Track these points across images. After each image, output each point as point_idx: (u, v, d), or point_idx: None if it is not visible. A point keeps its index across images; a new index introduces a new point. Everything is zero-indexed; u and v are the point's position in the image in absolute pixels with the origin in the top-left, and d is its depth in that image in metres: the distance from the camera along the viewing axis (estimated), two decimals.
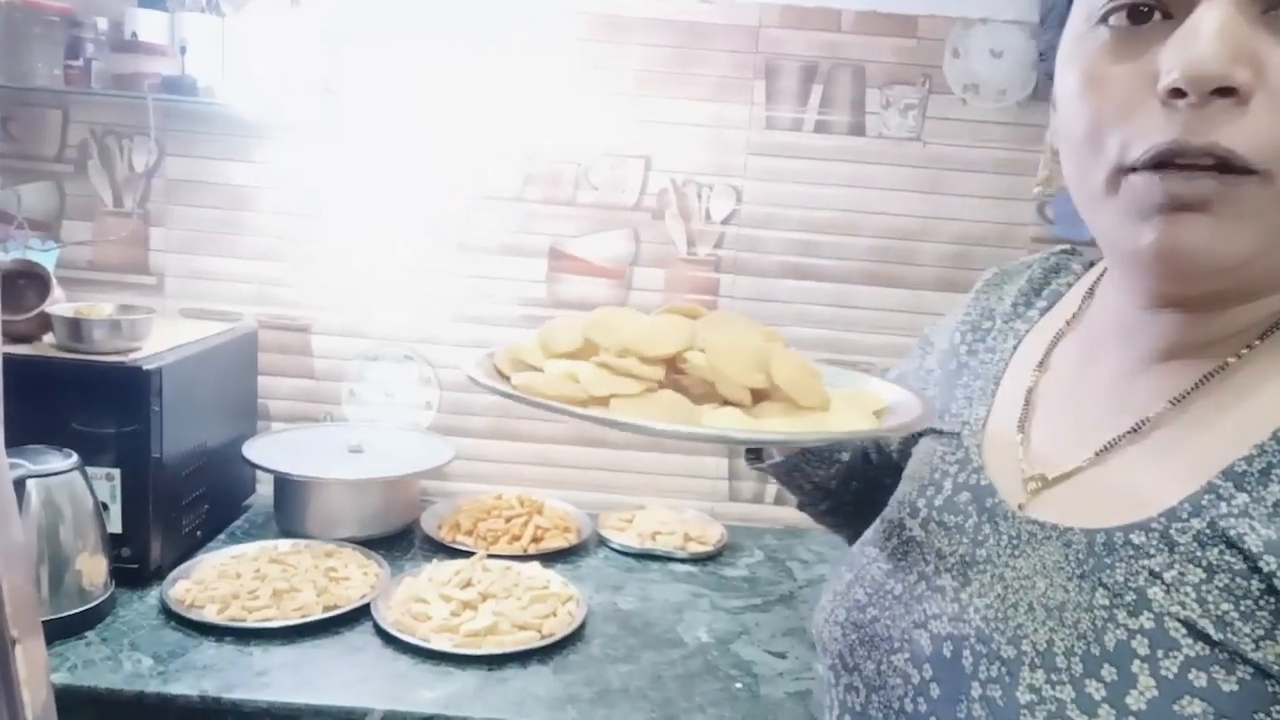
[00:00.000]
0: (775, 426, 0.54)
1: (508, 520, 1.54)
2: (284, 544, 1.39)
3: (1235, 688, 0.40)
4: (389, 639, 1.18)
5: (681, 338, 0.57)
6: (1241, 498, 0.43)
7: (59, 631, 1.13)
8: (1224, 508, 0.44)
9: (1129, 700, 0.42)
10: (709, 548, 1.55)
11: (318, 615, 1.21)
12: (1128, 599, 0.45)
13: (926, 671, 0.51)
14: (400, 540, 1.50)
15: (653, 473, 1.73)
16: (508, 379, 0.59)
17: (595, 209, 1.66)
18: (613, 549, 1.55)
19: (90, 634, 1.15)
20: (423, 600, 1.24)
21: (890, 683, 0.54)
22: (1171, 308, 0.50)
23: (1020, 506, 0.54)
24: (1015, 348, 0.64)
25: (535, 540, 1.51)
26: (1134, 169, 0.44)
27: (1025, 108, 1.61)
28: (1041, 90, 1.60)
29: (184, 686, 1.06)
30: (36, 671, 0.68)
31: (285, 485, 1.47)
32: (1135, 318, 0.53)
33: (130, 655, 1.12)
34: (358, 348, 1.69)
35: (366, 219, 1.65)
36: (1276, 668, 0.39)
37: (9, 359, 1.24)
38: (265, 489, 1.59)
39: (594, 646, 1.23)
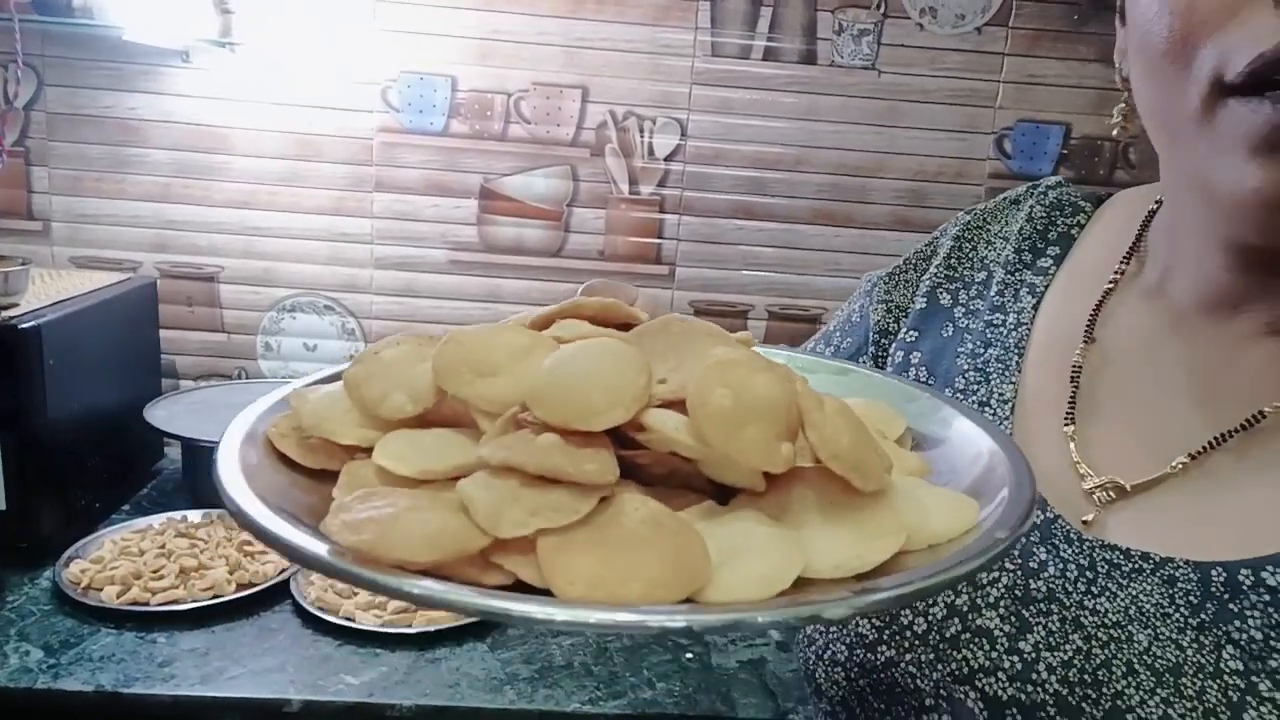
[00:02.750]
0: (835, 557, 0.28)
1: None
2: (194, 515, 1.28)
3: None
4: (310, 619, 1.09)
5: (637, 387, 0.30)
6: None
7: None
8: None
9: None
10: None
11: (230, 595, 1.10)
12: (1271, 664, 0.35)
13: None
14: None
15: None
16: (304, 471, 0.34)
17: (528, 144, 1.54)
18: None
19: None
20: None
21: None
22: (1276, 271, 0.40)
23: (1086, 524, 0.43)
24: (1036, 306, 0.51)
25: None
26: (1235, 90, 0.34)
27: (985, 34, 1.52)
28: (1002, 13, 1.51)
29: (78, 681, 0.96)
30: None
31: (195, 451, 1.35)
32: (1230, 283, 0.42)
33: (17, 647, 1.01)
34: (272, 297, 1.56)
35: (274, 154, 1.50)
36: None
37: None
38: (175, 454, 1.46)
39: None
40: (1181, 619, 0.38)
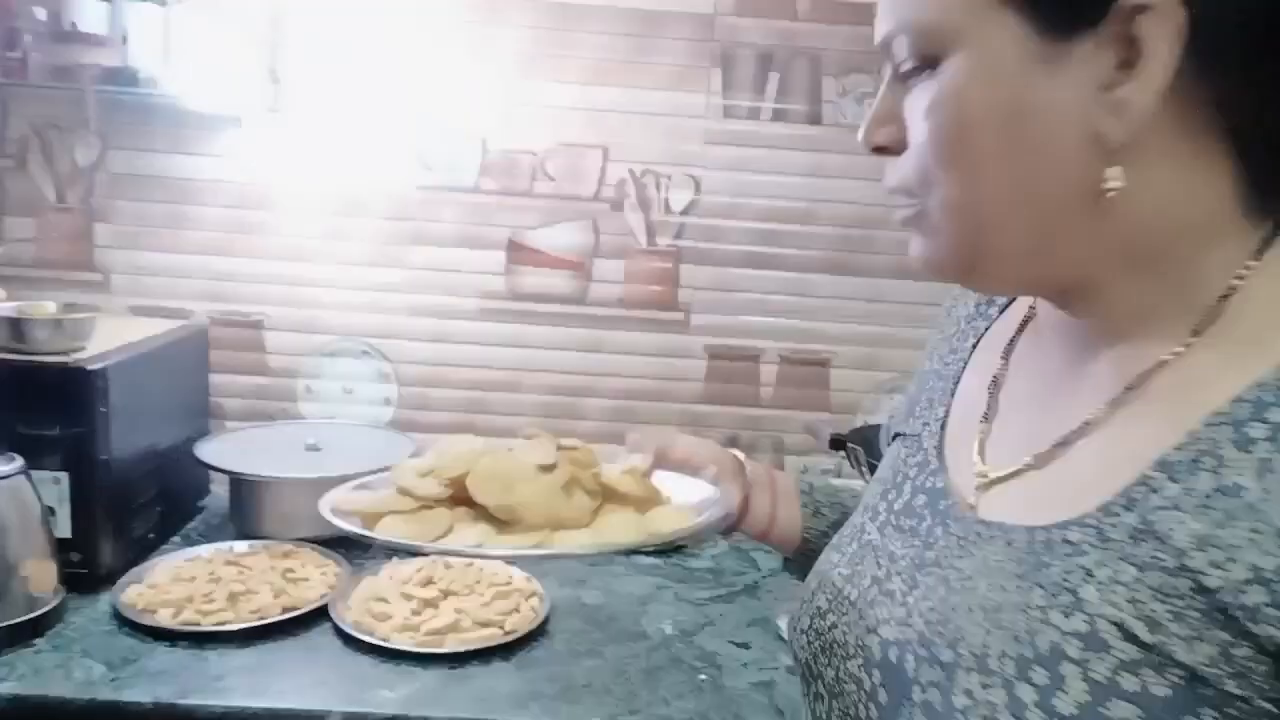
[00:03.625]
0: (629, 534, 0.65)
1: None
2: (240, 545, 1.37)
3: (1167, 692, 0.39)
4: (349, 639, 1.17)
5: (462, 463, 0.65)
6: (1173, 489, 0.42)
7: (6, 639, 1.10)
8: (1155, 500, 0.42)
9: (1057, 703, 0.41)
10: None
11: (275, 617, 1.18)
12: (1062, 599, 0.43)
13: (875, 677, 0.51)
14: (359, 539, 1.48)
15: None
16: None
17: (553, 199, 1.64)
18: None
19: (39, 641, 1.12)
20: (383, 599, 1.23)
21: (846, 689, 0.53)
22: (1057, 305, 0.52)
23: (971, 507, 0.53)
24: (974, 346, 0.63)
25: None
26: None
27: None
28: None
29: (138, 693, 1.04)
30: None
31: (241, 486, 1.44)
32: (1052, 311, 0.53)
33: (81, 662, 1.09)
34: (313, 343, 1.66)
35: (318, 211, 1.62)
36: (1205, 669, 0.38)
37: None
38: (221, 489, 1.55)
39: (558, 642, 1.22)
40: (1010, 569, 0.47)
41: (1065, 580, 0.44)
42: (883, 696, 0.50)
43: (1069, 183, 0.45)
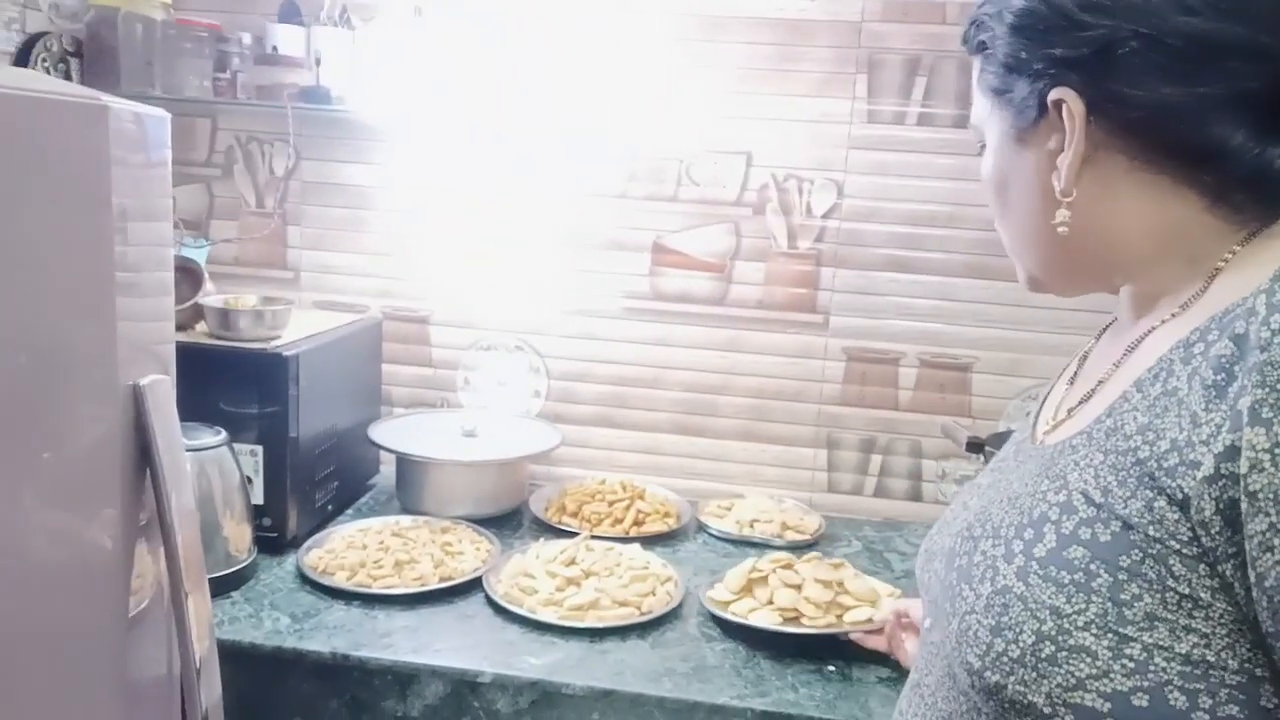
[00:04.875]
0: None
1: (611, 504, 1.61)
2: (404, 519, 1.50)
3: (1108, 538, 0.52)
4: (498, 609, 1.27)
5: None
6: (1137, 397, 0.55)
7: (210, 591, 1.25)
8: (1125, 407, 0.56)
9: (1035, 550, 0.56)
10: (807, 537, 1.58)
11: (435, 585, 1.30)
12: (1057, 483, 0.58)
13: (941, 563, 0.66)
14: (510, 520, 1.59)
15: (752, 462, 1.77)
16: None
17: (697, 204, 1.71)
18: (711, 535, 1.60)
19: (235, 594, 1.28)
20: (530, 575, 1.32)
21: (928, 581, 0.69)
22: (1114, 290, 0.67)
23: (1037, 442, 0.67)
24: (1088, 348, 0.76)
25: (637, 524, 1.57)
26: None
27: None
28: None
29: (317, 644, 1.17)
30: (203, 622, 0.78)
31: (406, 465, 1.58)
32: (1118, 302, 0.69)
33: (270, 614, 1.24)
34: (472, 338, 1.79)
35: (480, 216, 1.74)
36: (1135, 519, 0.51)
37: None
38: (388, 469, 1.70)
39: (691, 625, 1.28)
40: (1034, 471, 0.62)
41: (1061, 471, 0.58)
42: (942, 574, 0.65)
43: (1044, 223, 0.63)
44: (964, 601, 0.59)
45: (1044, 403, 0.73)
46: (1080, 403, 0.64)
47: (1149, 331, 0.60)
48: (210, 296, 1.44)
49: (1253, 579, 0.47)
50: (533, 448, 1.61)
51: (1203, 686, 0.49)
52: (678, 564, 1.43)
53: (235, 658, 1.15)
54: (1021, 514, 0.58)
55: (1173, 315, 0.59)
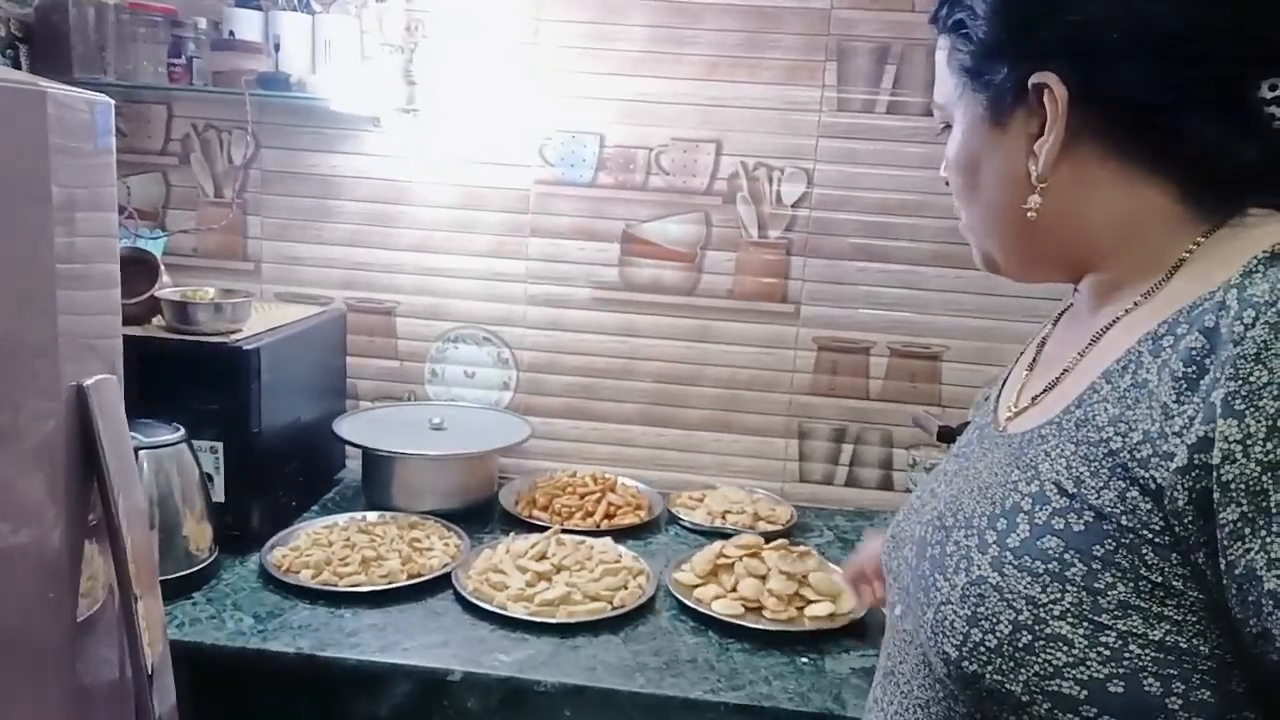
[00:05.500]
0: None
1: (581, 497, 1.59)
2: (372, 515, 1.47)
3: (1082, 528, 0.53)
4: (468, 606, 1.25)
5: None
6: (1106, 389, 0.56)
7: (168, 592, 1.20)
8: (1094, 398, 0.56)
9: (1009, 540, 0.56)
10: (778, 527, 1.58)
11: (403, 582, 1.28)
12: (1028, 473, 0.58)
13: (912, 550, 0.66)
14: (479, 514, 1.57)
15: (724, 453, 1.76)
16: None
17: (667, 193, 1.69)
18: (683, 526, 1.59)
19: (196, 594, 1.25)
20: (500, 571, 1.30)
21: (897, 568, 0.68)
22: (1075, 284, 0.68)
23: (1000, 429, 0.67)
24: (1045, 334, 0.76)
25: (608, 517, 1.56)
26: None
27: None
28: None
29: (281, 644, 1.14)
30: (155, 625, 0.76)
31: (373, 460, 1.55)
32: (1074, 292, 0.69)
33: (233, 615, 1.21)
34: (439, 330, 1.76)
35: (446, 206, 1.71)
36: (1108, 509, 0.52)
37: (123, 340, 1.34)
38: (354, 464, 1.67)
39: (663, 619, 1.27)
40: (1003, 461, 0.62)
41: (1032, 461, 0.59)
42: (914, 562, 0.65)
43: (1013, 208, 0.62)
44: (939, 592, 0.59)
45: (1003, 388, 0.73)
46: (1044, 390, 0.64)
47: (1112, 322, 0.61)
48: (167, 289, 1.40)
49: (1223, 567, 0.48)
50: (502, 441, 1.58)
51: (1176, 672, 0.50)
52: (650, 557, 1.42)
53: (197, 660, 1.13)
54: (993, 504, 0.59)
55: (1135, 305, 0.59)
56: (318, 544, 1.36)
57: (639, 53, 1.64)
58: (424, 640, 1.17)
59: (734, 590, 1.28)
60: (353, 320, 1.74)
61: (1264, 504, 0.46)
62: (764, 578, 1.28)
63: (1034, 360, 0.72)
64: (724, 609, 1.24)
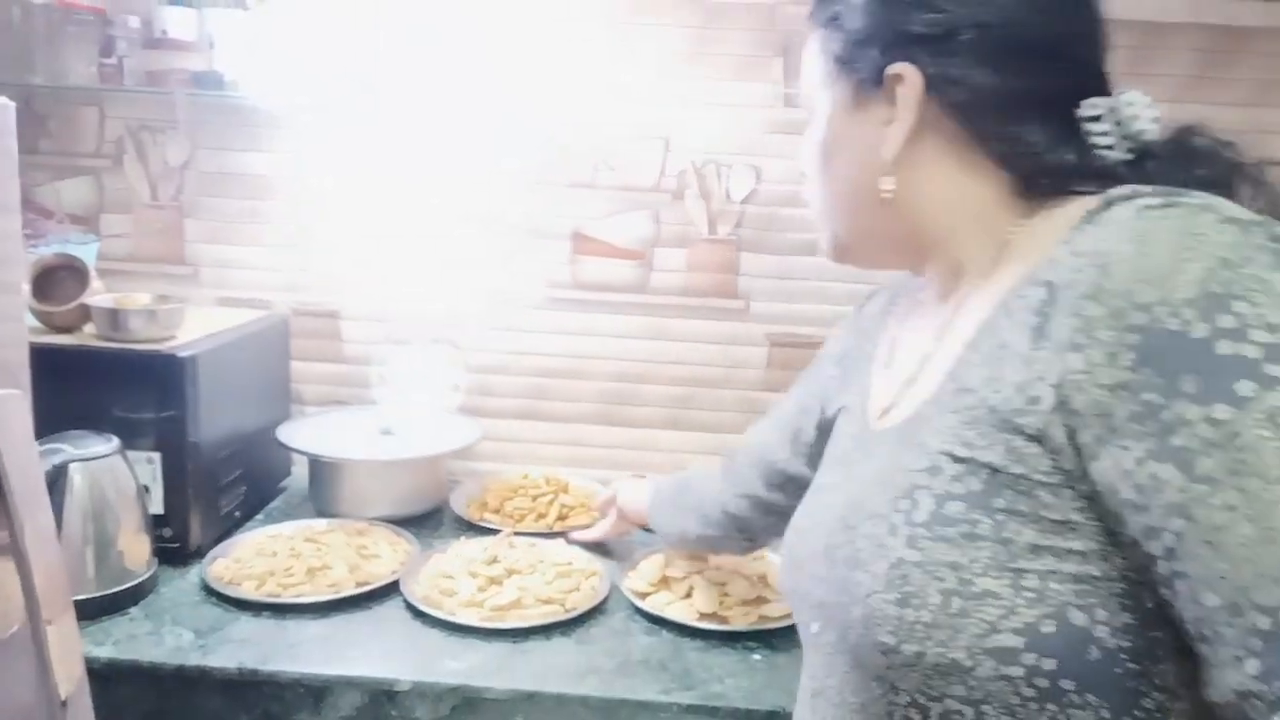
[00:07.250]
0: None
1: (534, 499, 1.57)
2: (318, 523, 1.44)
3: (980, 486, 0.56)
4: (418, 613, 1.22)
5: None
6: (973, 356, 0.60)
7: (104, 608, 1.18)
8: (964, 367, 0.60)
9: (915, 516, 0.58)
10: None
11: (350, 591, 1.25)
12: (916, 451, 0.61)
13: (818, 563, 0.66)
14: (430, 519, 1.54)
15: (678, 451, 1.75)
16: None
17: (616, 191, 1.68)
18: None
19: (134, 610, 1.20)
20: (450, 576, 1.28)
21: (804, 588, 0.68)
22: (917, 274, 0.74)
23: (876, 429, 0.70)
24: (892, 335, 0.79)
25: (561, 518, 1.54)
26: None
27: None
28: None
29: (223, 659, 1.11)
30: (70, 649, 0.72)
31: (319, 467, 1.52)
32: (927, 285, 0.74)
33: (172, 630, 1.17)
34: (386, 332, 1.73)
35: (390, 205, 1.68)
36: (999, 463, 0.55)
37: (52, 349, 1.30)
38: (300, 470, 1.64)
39: (616, 620, 1.26)
40: (891, 450, 0.64)
41: (918, 439, 0.62)
42: (824, 573, 0.65)
43: (867, 189, 0.67)
44: (860, 586, 0.60)
45: (868, 394, 0.76)
46: (912, 381, 0.68)
47: (962, 302, 0.65)
48: (98, 295, 1.36)
49: (1100, 489, 0.52)
50: (452, 443, 1.56)
51: (1096, 600, 0.53)
52: (602, 557, 1.40)
53: (135, 678, 1.09)
54: (894, 489, 0.61)
55: (979, 284, 0.65)
56: (261, 554, 1.32)
57: (585, 47, 1.63)
58: (371, 650, 1.15)
59: (687, 596, 1.27)
60: (296, 324, 1.70)
61: (1111, 423, 0.50)
62: (724, 584, 1.28)
63: (889, 358, 0.76)
64: (678, 615, 1.23)
